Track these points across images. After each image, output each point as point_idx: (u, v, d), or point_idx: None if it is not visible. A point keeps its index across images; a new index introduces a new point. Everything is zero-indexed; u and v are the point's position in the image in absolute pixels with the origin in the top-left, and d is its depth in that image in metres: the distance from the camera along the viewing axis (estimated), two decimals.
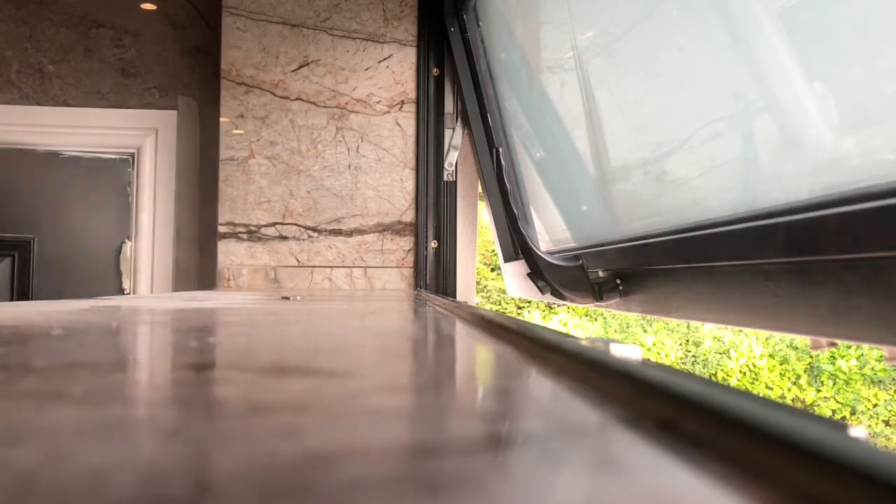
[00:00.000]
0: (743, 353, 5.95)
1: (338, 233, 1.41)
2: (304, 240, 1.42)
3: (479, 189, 1.40)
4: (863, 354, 5.54)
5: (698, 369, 5.96)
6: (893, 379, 5.49)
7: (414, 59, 1.43)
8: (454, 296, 1.38)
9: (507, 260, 1.27)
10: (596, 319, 6.67)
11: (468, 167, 1.42)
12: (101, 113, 1.67)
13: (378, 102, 1.43)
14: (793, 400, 5.63)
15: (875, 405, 5.49)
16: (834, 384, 5.62)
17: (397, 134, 1.43)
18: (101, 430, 0.14)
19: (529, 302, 6.48)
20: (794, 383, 5.78)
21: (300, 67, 1.42)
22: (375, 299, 0.86)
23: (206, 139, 1.65)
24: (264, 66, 1.41)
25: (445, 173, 1.41)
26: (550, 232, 1.15)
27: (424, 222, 1.41)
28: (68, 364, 0.24)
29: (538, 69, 1.12)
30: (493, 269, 6.53)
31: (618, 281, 0.80)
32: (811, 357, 5.78)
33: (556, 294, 1.03)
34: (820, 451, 0.10)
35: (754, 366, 5.89)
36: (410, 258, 1.42)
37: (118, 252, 1.99)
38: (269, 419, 0.15)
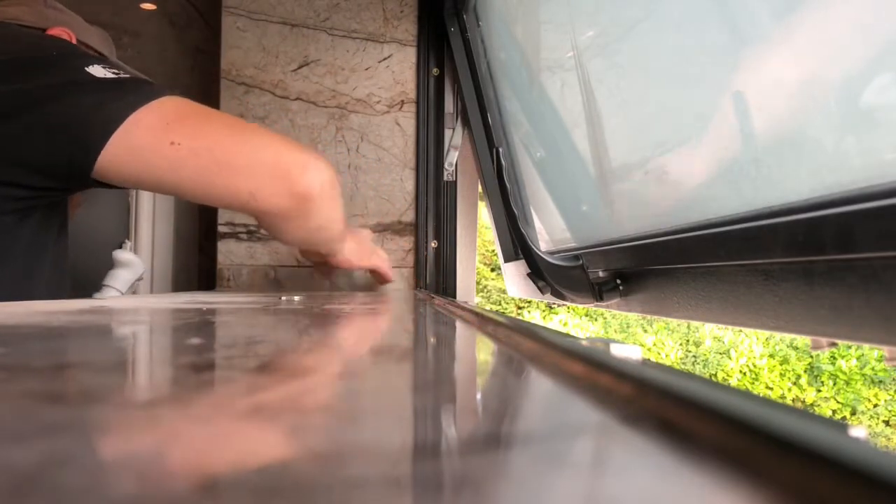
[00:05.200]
0: (743, 354, 5.95)
1: None
2: None
3: (479, 189, 1.40)
4: (863, 354, 5.54)
5: (699, 369, 5.97)
6: (894, 379, 5.49)
7: (414, 59, 1.43)
8: (454, 296, 1.38)
9: (507, 260, 1.27)
10: (596, 319, 6.67)
11: (468, 167, 1.42)
12: None
13: (378, 102, 1.43)
14: (793, 400, 5.64)
15: (875, 405, 5.49)
16: (834, 384, 5.63)
17: (397, 134, 1.43)
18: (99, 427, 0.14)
19: (529, 302, 6.49)
20: (795, 383, 5.78)
21: (300, 67, 1.42)
22: (375, 299, 0.86)
23: None
24: (264, 66, 1.41)
25: (445, 173, 1.40)
26: (550, 232, 1.15)
27: (424, 222, 1.41)
28: (69, 365, 0.24)
29: (538, 69, 1.12)
30: (493, 269, 6.53)
31: (618, 281, 0.80)
32: (811, 357, 5.78)
33: (556, 294, 1.03)
34: (820, 451, 0.10)
35: (754, 366, 5.89)
36: (410, 258, 1.42)
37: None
38: (269, 419, 0.15)
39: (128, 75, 0.75)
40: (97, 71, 0.73)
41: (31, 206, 0.75)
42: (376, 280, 1.18)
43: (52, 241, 0.82)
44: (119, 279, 1.28)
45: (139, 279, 1.34)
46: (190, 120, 0.73)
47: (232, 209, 0.81)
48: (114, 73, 0.73)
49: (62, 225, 0.85)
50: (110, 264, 1.32)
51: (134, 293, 1.32)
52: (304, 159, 0.79)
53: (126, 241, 1.87)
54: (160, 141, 0.70)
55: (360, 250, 1.07)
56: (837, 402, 5.59)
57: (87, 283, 1.43)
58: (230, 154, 0.74)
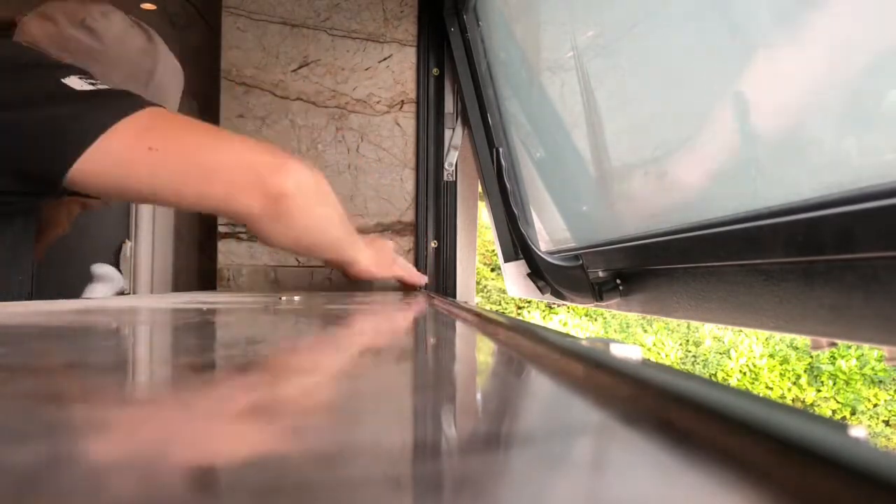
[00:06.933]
0: (743, 354, 5.95)
1: None
2: None
3: (479, 189, 1.40)
4: (863, 354, 5.54)
5: (698, 369, 5.97)
6: (893, 379, 5.49)
7: (414, 59, 1.43)
8: (454, 296, 1.38)
9: (507, 260, 1.27)
10: (596, 319, 6.68)
11: (468, 167, 1.42)
12: None
13: (378, 102, 1.43)
14: (793, 400, 5.64)
15: (875, 405, 5.49)
16: (834, 384, 5.63)
17: (397, 134, 1.43)
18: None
19: (529, 302, 6.49)
20: (795, 383, 5.78)
21: (300, 67, 1.42)
22: (375, 299, 0.86)
23: None
24: (264, 66, 1.41)
25: (445, 173, 1.41)
26: (550, 232, 1.15)
27: (424, 222, 1.41)
28: (69, 365, 0.24)
29: (538, 69, 1.12)
30: (493, 269, 6.54)
31: (618, 281, 0.80)
32: (811, 357, 5.79)
33: (556, 294, 1.03)
34: (820, 451, 0.10)
35: (754, 366, 5.89)
36: (410, 258, 1.42)
37: (118, 252, 1.98)
38: (269, 419, 0.15)
39: (106, 87, 0.75)
40: (74, 83, 0.73)
41: None
42: (405, 287, 1.20)
43: (6, 249, 0.81)
44: (96, 293, 1.29)
45: (120, 293, 1.35)
46: (166, 127, 0.74)
47: (210, 212, 0.82)
48: (90, 83, 0.74)
49: (24, 235, 0.84)
50: (109, 263, 1.32)
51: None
52: (277, 161, 0.79)
53: (126, 241, 1.87)
54: (138, 147, 0.71)
55: (379, 260, 1.07)
56: (837, 402, 5.59)
57: (90, 282, 1.43)
58: (205, 157, 0.75)
